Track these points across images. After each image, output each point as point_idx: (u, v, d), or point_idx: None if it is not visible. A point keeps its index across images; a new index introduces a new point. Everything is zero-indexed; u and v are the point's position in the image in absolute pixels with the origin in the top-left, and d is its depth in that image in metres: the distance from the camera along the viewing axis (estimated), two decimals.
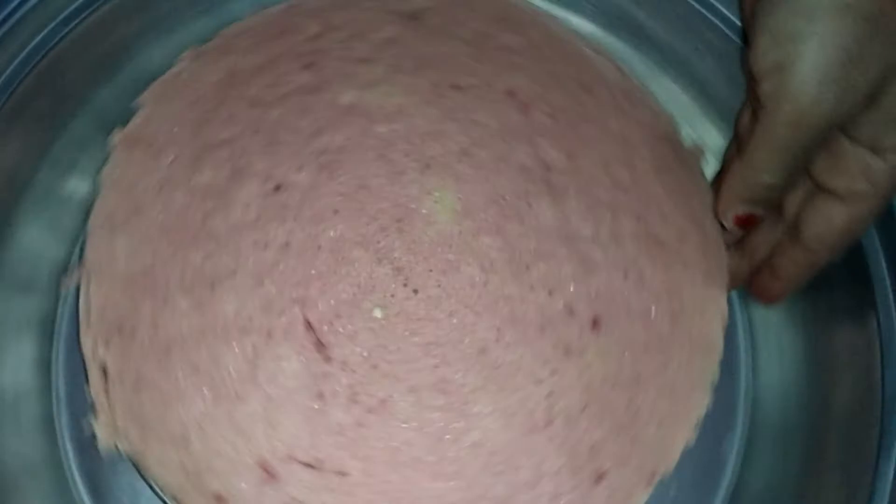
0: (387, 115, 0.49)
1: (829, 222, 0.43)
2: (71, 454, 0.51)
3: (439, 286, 0.47)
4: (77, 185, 0.53)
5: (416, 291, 0.46)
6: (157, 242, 0.47)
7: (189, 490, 0.45)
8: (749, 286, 0.50)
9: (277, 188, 0.48)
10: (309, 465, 0.44)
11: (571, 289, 0.47)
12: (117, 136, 0.50)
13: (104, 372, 0.46)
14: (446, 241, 0.47)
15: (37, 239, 0.52)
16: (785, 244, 0.46)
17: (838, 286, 0.49)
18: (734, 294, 0.53)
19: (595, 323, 0.47)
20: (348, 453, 0.44)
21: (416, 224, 0.47)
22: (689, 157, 0.52)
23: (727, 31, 0.51)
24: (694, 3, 0.52)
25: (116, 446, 0.46)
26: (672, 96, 0.55)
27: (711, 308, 0.49)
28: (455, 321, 0.46)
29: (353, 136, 0.49)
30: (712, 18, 0.51)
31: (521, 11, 0.54)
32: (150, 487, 0.46)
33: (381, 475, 0.44)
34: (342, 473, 0.44)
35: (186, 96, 0.51)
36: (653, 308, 0.48)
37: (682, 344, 0.48)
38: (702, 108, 0.56)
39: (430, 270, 0.47)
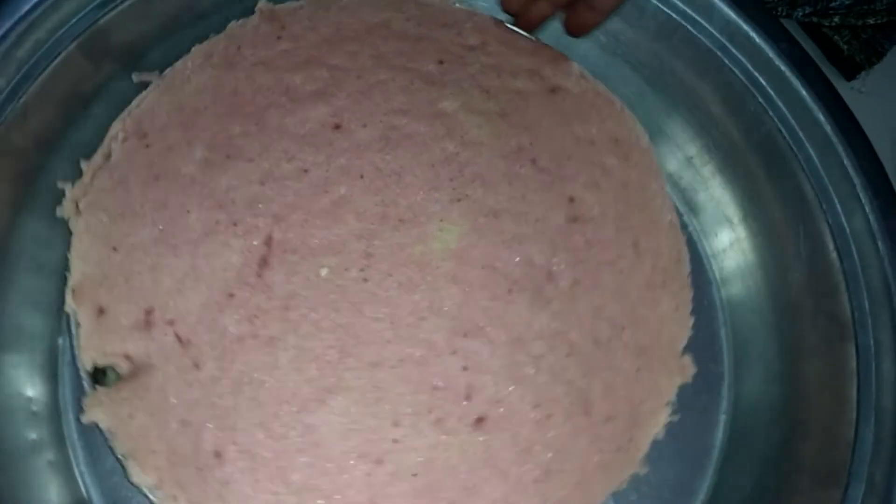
0: (463, 140, 0.52)
1: None
2: None
3: (387, 293, 0.48)
4: None
5: (366, 280, 0.48)
6: (221, 97, 0.52)
7: (92, 289, 0.49)
8: (565, 23, 0.56)
9: (336, 127, 0.51)
10: (178, 338, 0.47)
11: (483, 380, 0.47)
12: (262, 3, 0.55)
13: (108, 157, 0.51)
14: (421, 265, 0.49)
15: None
16: None
17: None
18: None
19: (479, 421, 0.47)
20: (215, 353, 0.47)
21: (412, 234, 0.49)
22: (676, 369, 0.52)
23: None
24: None
25: (77, 207, 0.50)
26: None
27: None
28: (375, 326, 0.47)
29: (425, 135, 0.51)
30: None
31: (639, 153, 0.55)
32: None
33: (225, 384, 0.46)
34: (196, 365, 0.46)
35: (341, 17, 0.55)
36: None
37: None
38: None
39: (391, 275, 0.48)
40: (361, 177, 0.50)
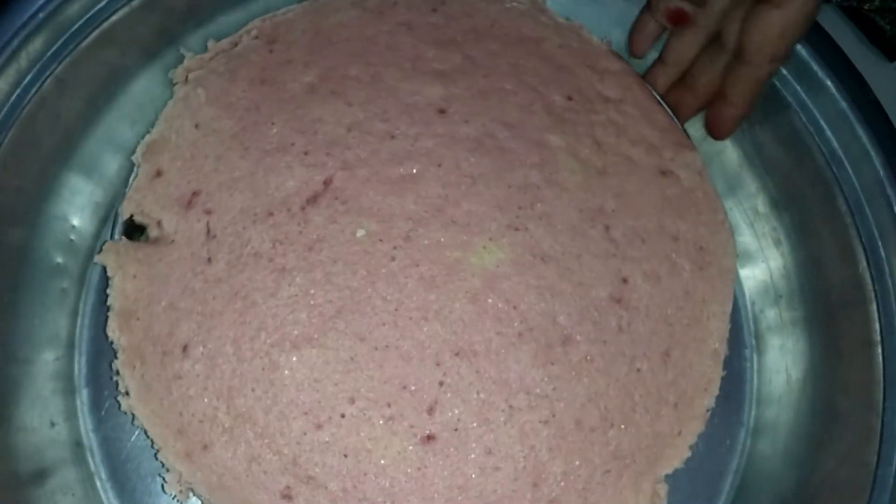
0: (550, 178, 0.50)
1: (766, 30, 0.47)
2: None
3: (406, 280, 0.47)
4: None
5: (393, 259, 0.48)
6: (356, 38, 0.53)
7: (161, 151, 0.51)
8: (705, 122, 0.55)
9: (441, 111, 0.51)
10: (207, 229, 0.48)
11: (452, 402, 0.46)
12: None
13: (234, 46, 0.53)
14: (450, 271, 0.48)
15: None
16: (730, 68, 0.51)
17: None
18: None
19: (429, 438, 0.46)
20: (230, 257, 0.48)
21: (457, 238, 0.48)
22: (646, 491, 0.48)
23: None
24: None
25: (186, 77, 0.52)
26: None
27: None
28: (379, 304, 0.47)
29: (518, 156, 0.50)
30: None
31: (717, 271, 0.52)
32: None
33: (224, 288, 0.48)
34: (210, 260, 0.48)
35: (500, 16, 0.55)
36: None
37: None
38: None
39: (418, 266, 0.48)
40: (439, 165, 0.50)
